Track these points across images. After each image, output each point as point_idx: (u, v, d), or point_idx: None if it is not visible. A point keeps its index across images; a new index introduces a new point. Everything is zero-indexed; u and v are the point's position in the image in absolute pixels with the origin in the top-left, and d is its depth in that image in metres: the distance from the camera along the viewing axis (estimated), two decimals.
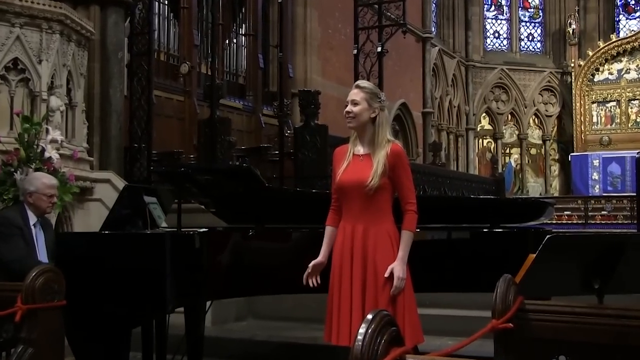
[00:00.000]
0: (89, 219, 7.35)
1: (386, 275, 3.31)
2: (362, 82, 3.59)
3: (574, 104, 21.71)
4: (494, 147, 22.60)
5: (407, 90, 18.10)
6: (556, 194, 21.58)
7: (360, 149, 3.47)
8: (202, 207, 5.02)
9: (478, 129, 22.51)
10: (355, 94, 3.46)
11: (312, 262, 3.50)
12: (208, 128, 9.31)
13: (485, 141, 22.70)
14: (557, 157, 22.96)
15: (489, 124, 22.88)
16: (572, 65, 21.85)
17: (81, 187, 7.17)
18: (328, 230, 3.55)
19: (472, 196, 12.72)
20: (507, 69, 22.86)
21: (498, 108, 22.84)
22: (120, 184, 7.59)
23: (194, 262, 4.16)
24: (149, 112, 8.76)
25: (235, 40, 13.54)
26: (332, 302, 3.44)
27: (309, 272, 3.50)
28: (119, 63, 8.63)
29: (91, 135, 8.17)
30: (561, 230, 11.63)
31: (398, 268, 3.31)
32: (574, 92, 21.72)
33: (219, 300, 5.25)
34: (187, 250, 4.16)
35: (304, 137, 8.97)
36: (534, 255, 2.69)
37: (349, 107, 3.45)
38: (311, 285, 3.49)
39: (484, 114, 22.80)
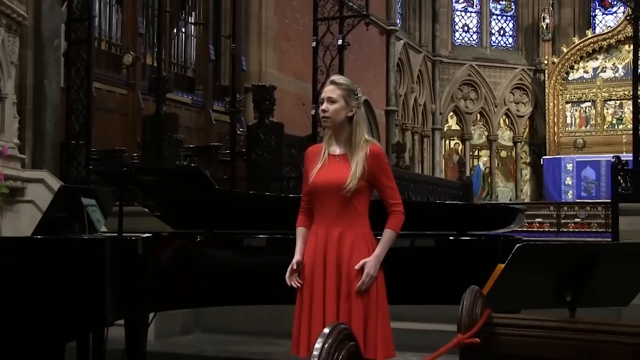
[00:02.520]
0: (20, 222, 7.25)
1: (357, 267, 3.32)
2: (338, 78, 3.55)
3: (546, 104, 21.96)
4: (461, 149, 22.80)
5: (370, 86, 18.16)
6: (527, 200, 21.81)
7: (336, 149, 3.46)
8: (146, 210, 4.98)
9: (445, 129, 22.68)
10: (331, 91, 3.42)
11: (294, 261, 3.46)
12: (153, 124, 9.23)
13: (452, 142, 22.88)
14: (528, 160, 23.24)
15: (456, 123, 23.08)
16: (546, 62, 22.13)
17: (11, 188, 7.06)
18: (300, 230, 3.52)
19: (437, 201, 12.82)
20: (476, 65, 23.07)
21: (466, 107, 23.04)
22: (56, 184, 7.48)
23: (136, 270, 4.12)
24: (88, 106, 8.65)
25: (183, 30, 13.47)
26: (302, 311, 3.41)
27: (293, 269, 3.44)
28: (55, 51, 8.50)
29: (23, 130, 8.04)
30: (532, 238, 11.77)
31: (370, 264, 3.33)
32: (547, 91, 21.97)
33: (163, 312, 5.21)
34: (128, 258, 4.12)
35: (257, 136, 8.93)
36: (503, 265, 2.72)
37: (325, 105, 3.42)
38: (295, 286, 3.45)
39: (451, 113, 22.98)
